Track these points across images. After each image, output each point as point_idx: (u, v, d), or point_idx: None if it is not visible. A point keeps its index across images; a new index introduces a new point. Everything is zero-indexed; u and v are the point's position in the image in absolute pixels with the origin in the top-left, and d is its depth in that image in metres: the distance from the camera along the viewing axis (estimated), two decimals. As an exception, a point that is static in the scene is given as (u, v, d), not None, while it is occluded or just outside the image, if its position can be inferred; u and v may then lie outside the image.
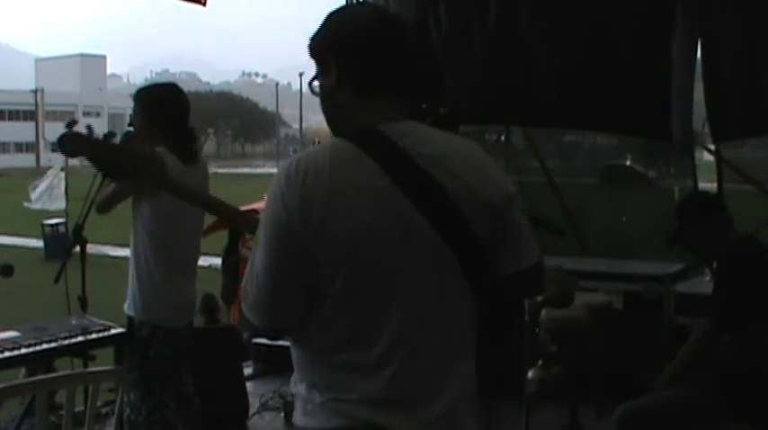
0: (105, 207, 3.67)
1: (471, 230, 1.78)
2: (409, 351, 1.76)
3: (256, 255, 1.78)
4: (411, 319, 1.76)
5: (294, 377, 1.88)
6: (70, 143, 2.27)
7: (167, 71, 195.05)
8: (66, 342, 3.77)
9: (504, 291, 1.90)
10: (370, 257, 1.72)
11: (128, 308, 3.71)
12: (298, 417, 1.86)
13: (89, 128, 2.42)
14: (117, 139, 3.55)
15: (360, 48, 1.81)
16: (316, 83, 1.88)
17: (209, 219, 3.76)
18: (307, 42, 1.90)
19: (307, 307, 1.77)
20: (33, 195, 17.42)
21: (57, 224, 18.62)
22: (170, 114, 3.69)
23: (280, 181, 1.74)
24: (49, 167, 19.73)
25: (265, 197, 1.80)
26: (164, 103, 3.72)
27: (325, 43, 1.85)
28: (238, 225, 2.14)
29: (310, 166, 1.73)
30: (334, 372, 1.78)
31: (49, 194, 17.17)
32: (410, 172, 1.74)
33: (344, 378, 1.77)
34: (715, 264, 3.68)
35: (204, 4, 5.48)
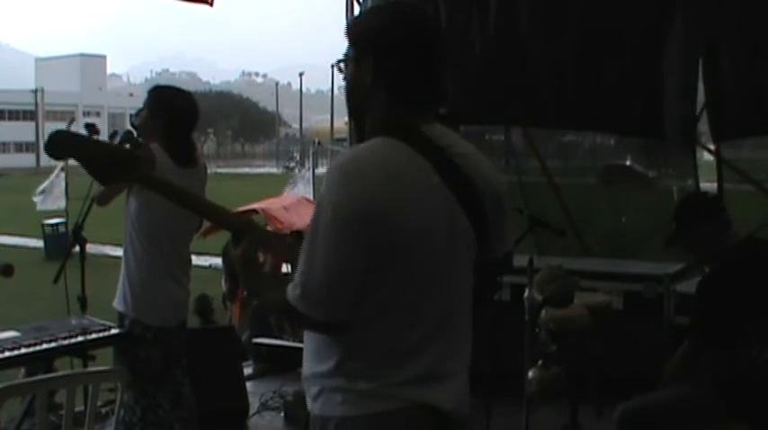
0: (103, 199, 3.72)
1: (488, 222, 1.97)
2: (448, 332, 1.93)
3: (317, 249, 1.81)
4: (451, 303, 1.94)
5: (323, 370, 1.91)
6: (56, 144, 2.05)
7: (167, 71, 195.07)
8: (66, 342, 3.77)
9: (487, 274, 2.12)
10: (426, 249, 1.86)
11: (117, 303, 3.75)
12: (332, 408, 1.90)
13: (90, 126, 2.15)
14: (117, 139, 3.55)
15: (403, 56, 1.90)
16: (342, 64, 1.99)
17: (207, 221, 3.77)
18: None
19: (359, 298, 1.84)
20: (38, 199, 17.40)
21: (57, 224, 18.61)
22: (173, 117, 3.73)
23: (349, 177, 1.81)
24: (52, 168, 19.70)
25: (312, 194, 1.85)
26: (170, 105, 3.76)
27: (367, 42, 1.94)
28: (229, 228, 2.09)
29: (376, 164, 1.83)
30: (379, 358, 1.87)
31: (50, 193, 17.12)
32: (453, 171, 1.90)
33: (390, 362, 1.87)
34: (712, 264, 3.67)
35: (211, 4, 5.47)
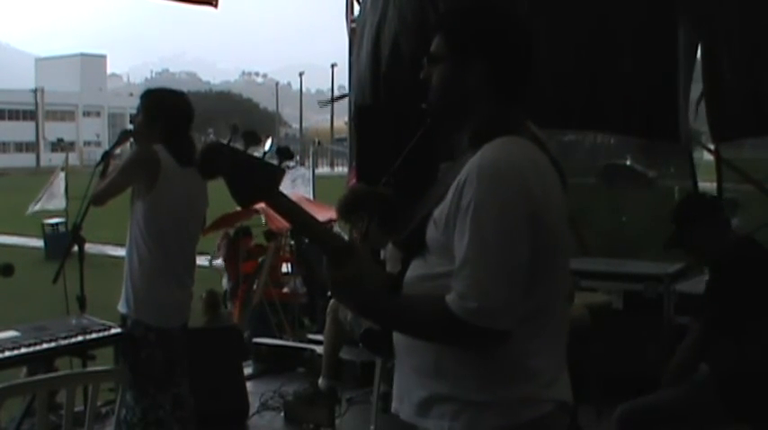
0: (100, 199, 3.71)
1: None
2: (564, 326, 1.92)
3: (487, 255, 1.71)
4: (566, 299, 1.98)
5: (466, 385, 1.80)
6: (211, 160, 1.80)
7: (167, 71, 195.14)
8: (66, 342, 3.77)
9: None
10: (564, 243, 1.87)
11: (121, 306, 3.75)
12: (484, 423, 1.80)
13: (234, 127, 1.90)
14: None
15: (515, 59, 1.88)
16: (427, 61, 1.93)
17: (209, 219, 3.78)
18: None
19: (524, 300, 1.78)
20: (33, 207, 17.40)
21: (57, 224, 18.59)
22: (169, 119, 3.73)
23: (507, 177, 1.74)
24: (52, 168, 19.70)
25: None
26: (166, 107, 3.76)
27: (480, 43, 1.87)
28: (333, 249, 1.89)
29: (527, 162, 1.78)
30: (533, 361, 1.81)
31: (47, 194, 17.13)
32: (562, 171, 1.89)
33: (542, 362, 1.82)
34: (711, 264, 3.67)
35: (216, 6, 5.49)
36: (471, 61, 1.86)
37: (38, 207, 17.21)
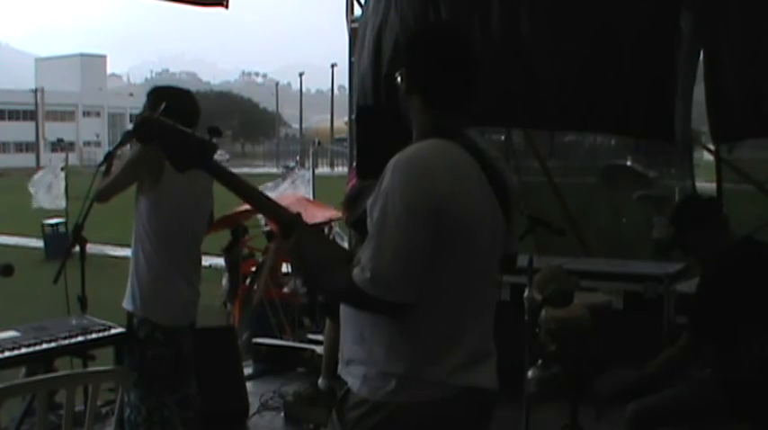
0: (104, 196, 3.70)
1: (511, 221, 2.18)
2: (488, 314, 2.14)
3: (386, 236, 1.95)
4: (486, 293, 2.13)
5: (378, 353, 2.02)
6: (145, 129, 2.14)
7: (167, 71, 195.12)
8: (66, 342, 3.77)
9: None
10: (479, 237, 2.04)
11: (126, 303, 3.74)
12: (385, 394, 2.00)
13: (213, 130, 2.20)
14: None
15: (426, 65, 2.11)
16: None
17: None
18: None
19: (423, 282, 1.98)
20: (36, 196, 17.36)
21: (57, 224, 18.57)
22: (175, 117, 3.71)
23: (417, 172, 1.97)
24: (52, 168, 19.67)
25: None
26: (172, 106, 3.74)
27: (404, 56, 2.17)
28: (280, 221, 2.17)
29: (441, 161, 2.00)
30: (438, 341, 2.01)
31: (48, 191, 17.13)
32: (494, 173, 2.10)
33: (448, 344, 2.02)
34: (710, 265, 3.67)
35: (227, 7, 5.49)
36: (401, 70, 2.15)
37: (39, 201, 17.21)
